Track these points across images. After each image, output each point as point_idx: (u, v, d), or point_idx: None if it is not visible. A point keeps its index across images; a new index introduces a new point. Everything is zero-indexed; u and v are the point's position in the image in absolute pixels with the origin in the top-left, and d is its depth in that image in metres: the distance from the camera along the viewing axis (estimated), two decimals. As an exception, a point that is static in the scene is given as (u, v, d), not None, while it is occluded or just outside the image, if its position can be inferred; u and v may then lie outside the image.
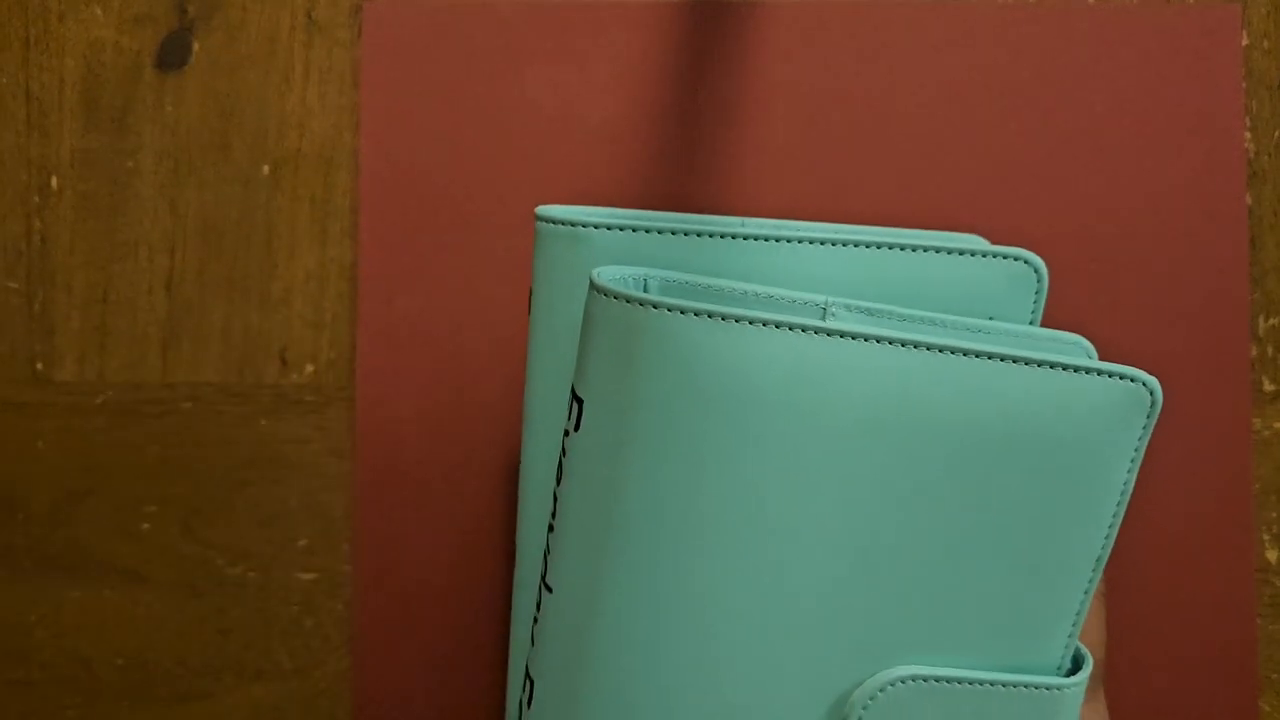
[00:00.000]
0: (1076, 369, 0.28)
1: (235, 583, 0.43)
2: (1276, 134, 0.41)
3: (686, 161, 0.42)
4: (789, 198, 0.42)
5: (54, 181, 0.44)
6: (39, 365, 0.43)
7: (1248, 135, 0.41)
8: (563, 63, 0.42)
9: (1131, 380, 0.28)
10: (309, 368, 0.43)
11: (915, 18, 0.42)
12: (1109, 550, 0.30)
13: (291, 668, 0.43)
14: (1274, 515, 0.41)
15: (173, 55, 0.43)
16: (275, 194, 0.43)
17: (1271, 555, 0.41)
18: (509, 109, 0.42)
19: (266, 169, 0.43)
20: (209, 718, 0.43)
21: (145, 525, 0.43)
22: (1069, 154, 0.41)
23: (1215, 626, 0.41)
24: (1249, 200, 0.41)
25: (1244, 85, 0.41)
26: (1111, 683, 0.40)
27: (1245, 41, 0.42)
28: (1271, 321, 0.41)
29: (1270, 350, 0.41)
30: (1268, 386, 0.41)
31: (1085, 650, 0.31)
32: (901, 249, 0.32)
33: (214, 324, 0.43)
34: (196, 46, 0.43)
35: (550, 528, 0.31)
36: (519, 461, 0.41)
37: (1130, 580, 0.41)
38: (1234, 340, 0.41)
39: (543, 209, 0.33)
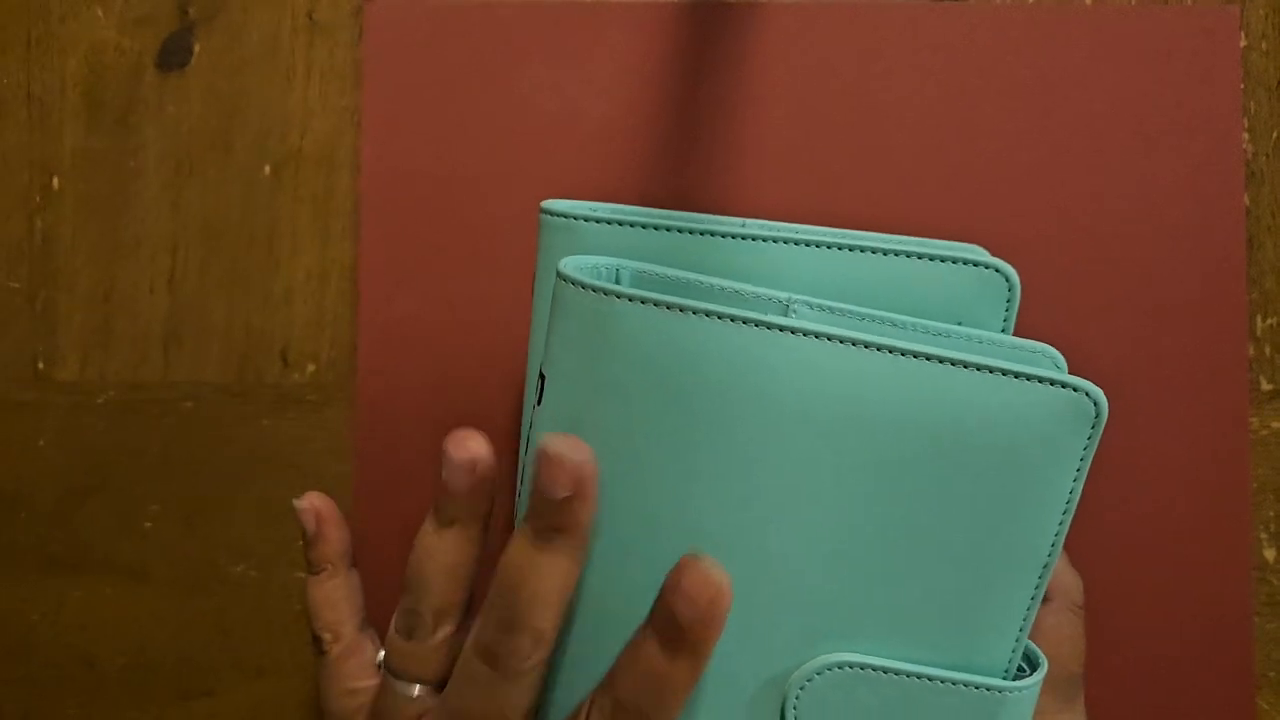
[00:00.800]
0: (1022, 376, 0.28)
1: (237, 581, 0.43)
2: (1274, 135, 0.42)
3: (685, 162, 0.42)
4: (787, 198, 0.42)
5: (56, 182, 0.44)
6: (41, 364, 0.44)
7: (1246, 136, 0.42)
8: (563, 63, 0.43)
9: (1075, 390, 0.29)
10: (310, 367, 0.43)
11: (914, 18, 0.42)
12: (1055, 557, 0.30)
13: (293, 665, 0.43)
14: (1271, 514, 0.41)
15: (174, 56, 0.44)
16: (276, 194, 0.43)
17: (1269, 554, 0.41)
18: (509, 109, 0.43)
19: (268, 169, 0.43)
20: (210, 715, 0.43)
21: (147, 524, 0.43)
22: (1067, 154, 0.42)
23: (1212, 625, 0.41)
24: (1247, 201, 0.41)
25: (1242, 86, 0.42)
26: (1108, 680, 0.40)
27: (1243, 43, 0.42)
28: (1269, 321, 0.41)
29: (1268, 350, 0.41)
30: (1265, 386, 0.41)
31: (1042, 657, 0.32)
32: (874, 252, 0.33)
33: (215, 323, 0.43)
34: (198, 47, 0.43)
35: (517, 494, 0.32)
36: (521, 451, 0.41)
37: (1128, 579, 0.41)
38: (1232, 340, 0.41)
39: (546, 203, 0.35)
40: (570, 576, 0.29)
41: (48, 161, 0.44)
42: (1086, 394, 0.29)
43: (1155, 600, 0.41)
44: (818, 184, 0.42)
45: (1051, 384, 0.29)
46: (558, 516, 0.29)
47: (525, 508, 0.31)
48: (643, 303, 0.28)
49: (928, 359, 0.29)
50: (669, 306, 0.28)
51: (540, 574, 0.29)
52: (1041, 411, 0.29)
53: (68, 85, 0.44)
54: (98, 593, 0.43)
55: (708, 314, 0.28)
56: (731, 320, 0.28)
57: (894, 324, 0.31)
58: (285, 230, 0.43)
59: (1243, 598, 0.41)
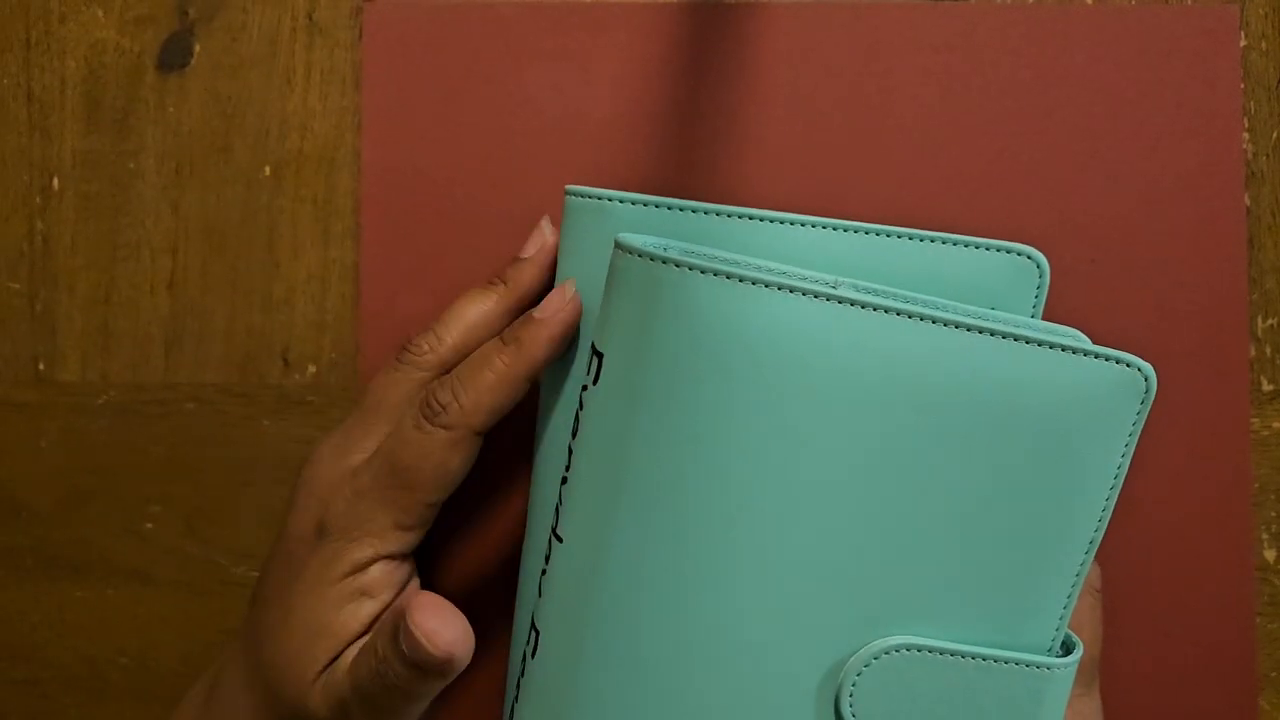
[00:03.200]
0: (1074, 351, 0.29)
1: (238, 582, 0.43)
2: (1274, 134, 0.42)
3: (686, 162, 0.42)
4: (789, 198, 0.42)
5: (56, 183, 0.44)
6: (41, 366, 0.44)
7: (1246, 136, 0.42)
8: (563, 63, 0.43)
9: (1127, 365, 0.29)
10: (311, 368, 0.43)
11: (914, 19, 0.42)
12: (1101, 534, 0.30)
13: (294, 667, 0.43)
14: (1273, 514, 0.41)
15: (174, 56, 0.43)
16: (277, 195, 0.43)
17: (1270, 554, 0.41)
18: (509, 109, 0.42)
19: (268, 170, 0.43)
20: (212, 717, 0.43)
21: (149, 525, 0.43)
22: (1067, 154, 0.42)
23: (1214, 625, 0.41)
24: (1247, 201, 0.41)
25: (1242, 86, 0.42)
26: (1111, 681, 0.40)
27: (1243, 42, 0.42)
28: (1270, 321, 0.41)
29: (1269, 350, 0.41)
30: (1266, 386, 0.41)
31: (1076, 638, 0.32)
32: (909, 238, 0.33)
33: (216, 324, 0.43)
34: (198, 48, 0.43)
35: (564, 480, 0.31)
36: (522, 454, 0.41)
37: (1129, 579, 0.41)
38: (1232, 340, 0.41)
39: (572, 186, 0.35)
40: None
41: (48, 162, 0.44)
42: (1138, 369, 0.29)
43: (1157, 601, 0.41)
44: (818, 183, 0.42)
45: (1103, 359, 0.29)
46: None
47: (559, 505, 0.31)
48: (706, 272, 0.28)
49: (980, 332, 0.29)
50: (729, 276, 0.28)
51: None
52: (1092, 386, 0.29)
53: (68, 86, 0.44)
54: (99, 595, 0.43)
55: (764, 284, 0.28)
56: (788, 291, 0.28)
57: (935, 306, 0.31)
58: (286, 231, 0.43)
59: (1244, 598, 0.41)
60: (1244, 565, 0.41)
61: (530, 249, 0.37)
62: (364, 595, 0.34)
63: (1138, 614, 0.41)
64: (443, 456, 0.34)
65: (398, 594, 0.35)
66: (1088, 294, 0.41)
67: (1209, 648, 0.41)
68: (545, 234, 0.37)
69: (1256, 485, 0.41)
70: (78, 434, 0.43)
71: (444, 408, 0.34)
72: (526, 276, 0.37)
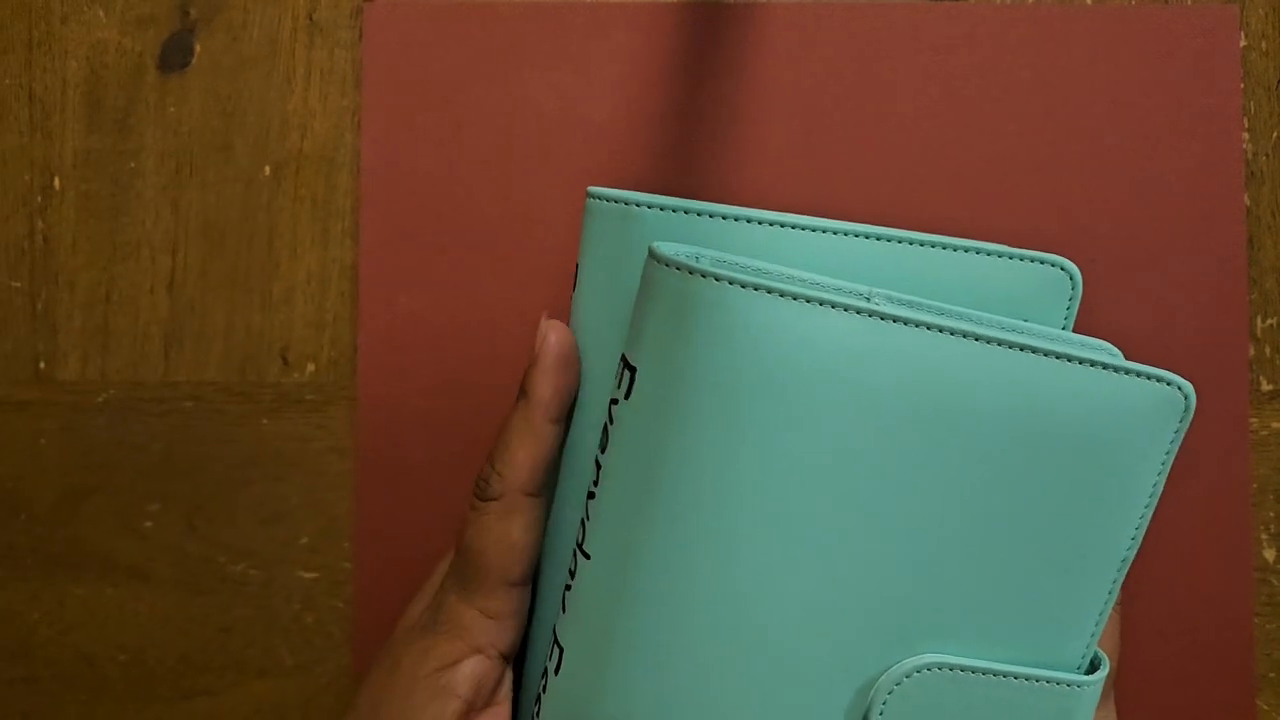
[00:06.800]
0: (1112, 368, 0.29)
1: (237, 580, 0.43)
2: (1274, 135, 0.42)
3: (686, 163, 0.42)
4: (790, 199, 0.42)
5: (57, 182, 0.44)
6: (42, 364, 0.44)
7: (1245, 136, 0.42)
8: (563, 63, 0.43)
9: (1167, 384, 0.29)
10: (310, 367, 0.43)
11: (914, 19, 0.42)
12: (1135, 552, 0.30)
13: (293, 665, 0.43)
14: (1271, 514, 0.41)
15: (175, 57, 0.44)
16: (277, 194, 0.43)
17: (1269, 554, 0.41)
18: (509, 109, 0.43)
19: (268, 169, 0.43)
20: (211, 715, 0.43)
21: (148, 523, 0.43)
22: (1067, 155, 0.42)
23: (1213, 625, 0.41)
24: (1247, 201, 0.41)
25: (1242, 86, 0.42)
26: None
27: (1243, 42, 0.42)
28: (1269, 321, 0.41)
29: (1268, 350, 0.41)
30: (1265, 386, 0.41)
31: (1102, 653, 0.32)
32: (941, 248, 0.33)
33: (216, 323, 0.43)
34: (198, 48, 0.44)
35: (591, 494, 0.31)
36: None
37: (1128, 579, 0.41)
38: (1232, 340, 0.41)
39: (594, 189, 0.34)
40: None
41: (49, 162, 0.44)
42: (1178, 388, 0.29)
43: (1155, 600, 0.41)
44: (818, 183, 0.42)
45: (1144, 378, 0.29)
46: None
47: (585, 520, 0.31)
48: (744, 286, 0.28)
49: (1015, 348, 0.28)
50: (768, 290, 0.28)
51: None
52: (1129, 404, 0.29)
53: (69, 86, 0.44)
54: (98, 592, 0.43)
55: (801, 298, 0.28)
56: (825, 305, 0.28)
57: (969, 319, 0.30)
58: (285, 231, 0.43)
59: (1243, 598, 0.41)
60: (1242, 565, 0.41)
61: (539, 352, 0.35)
62: (451, 693, 0.33)
63: (1135, 613, 0.41)
64: (501, 529, 0.33)
65: (486, 697, 0.34)
66: (1087, 294, 0.41)
67: (1207, 647, 0.41)
68: (545, 336, 0.35)
69: (1255, 485, 0.41)
70: (77, 432, 0.44)
71: (487, 481, 0.34)
72: (542, 389, 0.35)
